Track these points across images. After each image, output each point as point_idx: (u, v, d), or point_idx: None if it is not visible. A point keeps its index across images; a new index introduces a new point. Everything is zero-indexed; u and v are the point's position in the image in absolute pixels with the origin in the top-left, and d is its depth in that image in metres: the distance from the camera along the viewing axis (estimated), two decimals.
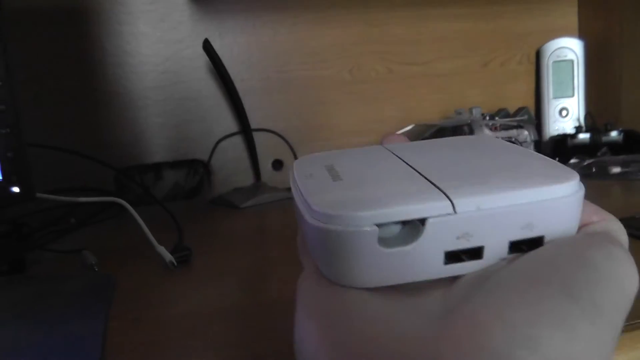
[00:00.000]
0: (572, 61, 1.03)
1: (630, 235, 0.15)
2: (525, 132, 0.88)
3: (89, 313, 0.39)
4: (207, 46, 0.84)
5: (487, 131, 0.85)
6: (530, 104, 1.07)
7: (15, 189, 0.51)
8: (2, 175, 0.51)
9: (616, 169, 0.80)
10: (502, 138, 0.85)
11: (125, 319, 0.39)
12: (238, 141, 0.94)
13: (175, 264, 0.51)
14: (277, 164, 0.96)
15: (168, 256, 0.51)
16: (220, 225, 0.70)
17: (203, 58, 0.89)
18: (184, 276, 0.49)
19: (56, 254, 0.59)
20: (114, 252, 0.59)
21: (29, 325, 0.37)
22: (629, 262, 0.18)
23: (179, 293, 0.45)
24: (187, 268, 0.51)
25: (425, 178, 0.21)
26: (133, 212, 0.58)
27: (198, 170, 0.92)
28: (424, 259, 0.19)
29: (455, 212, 0.18)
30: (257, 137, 0.93)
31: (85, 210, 0.76)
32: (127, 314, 0.40)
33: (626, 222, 0.14)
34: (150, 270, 0.51)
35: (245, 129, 0.91)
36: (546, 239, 0.19)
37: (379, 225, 0.18)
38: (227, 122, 0.93)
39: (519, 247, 0.19)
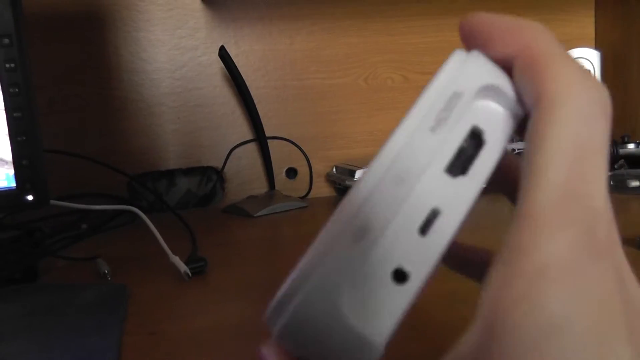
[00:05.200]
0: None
1: None
2: None
3: (103, 325, 0.38)
4: (223, 53, 0.84)
5: None
6: None
7: (29, 197, 0.50)
8: (16, 183, 0.51)
9: (635, 183, 0.78)
10: (518, 148, 0.83)
11: (141, 333, 0.38)
12: (252, 149, 0.93)
13: (190, 275, 0.50)
14: (291, 172, 0.95)
15: (183, 267, 0.50)
16: (234, 235, 0.69)
17: (218, 65, 0.89)
18: (199, 288, 0.48)
19: (68, 261, 0.58)
20: (127, 261, 0.58)
21: (42, 336, 0.37)
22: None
23: (195, 306, 0.44)
24: (202, 279, 0.50)
25: None
26: (147, 221, 0.58)
27: (211, 177, 0.91)
28: None
29: None
30: (272, 145, 0.92)
31: (98, 217, 0.75)
32: (142, 328, 0.39)
33: None
34: (164, 280, 0.50)
35: (259, 137, 0.91)
36: None
37: None
38: (242, 130, 0.93)
39: None
